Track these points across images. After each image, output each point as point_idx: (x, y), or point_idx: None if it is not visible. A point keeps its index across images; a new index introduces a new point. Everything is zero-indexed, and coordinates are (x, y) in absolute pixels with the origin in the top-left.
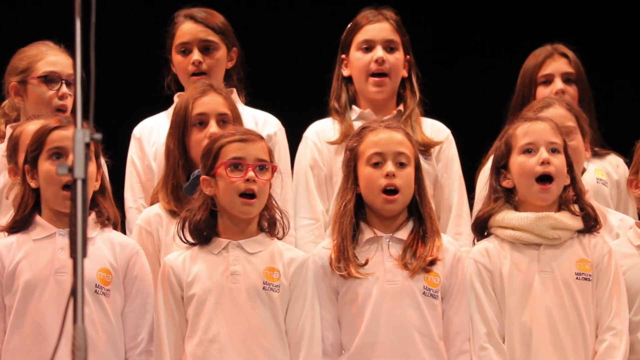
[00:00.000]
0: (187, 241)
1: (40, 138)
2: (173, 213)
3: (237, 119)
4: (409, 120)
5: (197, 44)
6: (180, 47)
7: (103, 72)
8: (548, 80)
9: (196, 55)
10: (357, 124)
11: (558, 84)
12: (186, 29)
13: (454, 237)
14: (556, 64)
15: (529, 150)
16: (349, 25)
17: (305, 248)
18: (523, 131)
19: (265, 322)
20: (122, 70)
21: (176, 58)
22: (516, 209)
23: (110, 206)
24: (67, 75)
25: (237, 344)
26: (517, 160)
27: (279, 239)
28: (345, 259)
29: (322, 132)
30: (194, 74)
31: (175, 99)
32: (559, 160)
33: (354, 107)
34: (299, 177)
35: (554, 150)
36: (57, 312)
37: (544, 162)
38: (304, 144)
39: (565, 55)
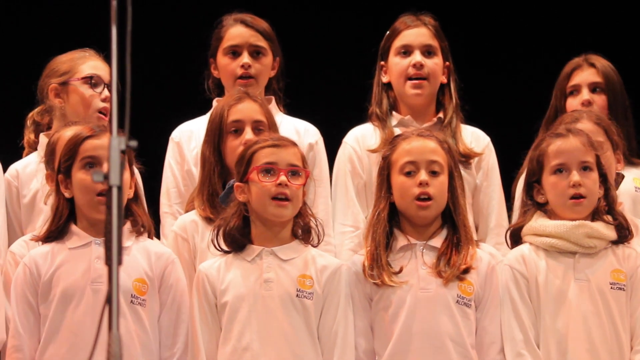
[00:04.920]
0: (222, 249)
1: (73, 147)
2: (209, 220)
3: (272, 126)
4: (449, 127)
5: (248, 48)
6: (229, 49)
7: (138, 76)
8: (575, 90)
9: (246, 58)
10: (397, 130)
11: (585, 94)
12: (237, 32)
13: (494, 247)
14: (583, 74)
15: (560, 170)
16: (388, 32)
17: (344, 255)
18: (554, 150)
19: (298, 329)
20: (157, 74)
21: (223, 60)
22: (549, 218)
23: (143, 214)
24: (108, 80)
25: (270, 351)
26: (549, 180)
27: (314, 246)
28: (378, 266)
29: (362, 138)
30: (241, 77)
31: (214, 103)
32: (590, 180)
33: (394, 113)
34: (338, 183)
35: (585, 168)
36: (93, 322)
37: (575, 185)
38: (343, 150)
39: (593, 65)
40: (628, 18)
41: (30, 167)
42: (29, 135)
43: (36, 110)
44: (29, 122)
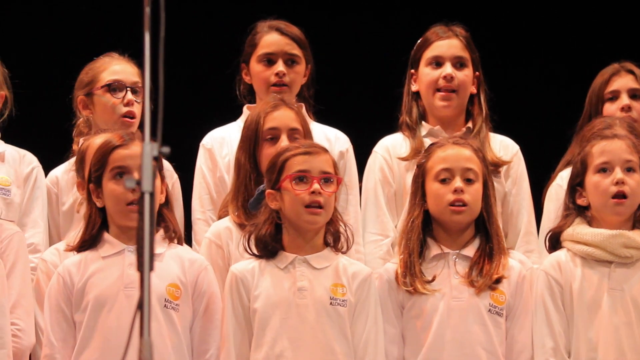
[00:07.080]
0: (253, 254)
1: (102, 157)
2: (243, 226)
3: (307, 134)
4: (477, 137)
5: (283, 56)
6: (263, 57)
7: (169, 82)
8: (614, 96)
9: (281, 66)
10: (426, 140)
11: (624, 99)
12: (272, 40)
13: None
14: (622, 80)
15: (604, 169)
16: (419, 41)
17: (373, 264)
18: (599, 150)
19: (333, 337)
20: (185, 80)
21: (257, 67)
22: (589, 224)
23: (174, 219)
24: (131, 82)
25: (304, 359)
26: (592, 179)
27: (343, 253)
28: (411, 274)
29: (392, 147)
30: (274, 85)
31: (245, 109)
32: (633, 180)
33: (423, 123)
34: (368, 192)
35: (629, 169)
36: (126, 327)
37: (619, 182)
38: (374, 159)
39: (631, 72)
40: None
41: (71, 174)
42: (75, 146)
43: (81, 120)
44: (75, 133)
